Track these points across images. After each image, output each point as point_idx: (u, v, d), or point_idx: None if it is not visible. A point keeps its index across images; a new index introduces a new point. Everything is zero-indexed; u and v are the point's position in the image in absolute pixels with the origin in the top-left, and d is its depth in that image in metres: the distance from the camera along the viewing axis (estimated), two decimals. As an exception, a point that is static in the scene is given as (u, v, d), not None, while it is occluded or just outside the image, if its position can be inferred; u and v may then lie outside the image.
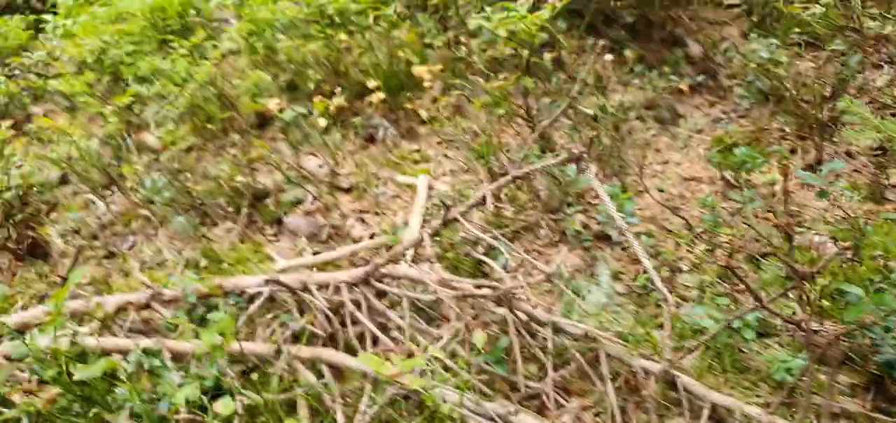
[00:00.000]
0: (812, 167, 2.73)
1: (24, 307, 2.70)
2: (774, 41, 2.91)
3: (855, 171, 2.63)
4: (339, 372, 2.04)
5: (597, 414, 1.92)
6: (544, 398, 1.92)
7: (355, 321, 2.12)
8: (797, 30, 3.38)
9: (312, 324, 2.16)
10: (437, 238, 2.23)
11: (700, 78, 3.36)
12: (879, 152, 2.72)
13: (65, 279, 2.32)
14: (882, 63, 3.16)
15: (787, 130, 2.96)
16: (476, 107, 2.87)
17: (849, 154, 2.77)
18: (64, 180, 3.67)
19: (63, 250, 3.12)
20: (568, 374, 2.00)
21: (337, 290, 2.25)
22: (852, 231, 1.83)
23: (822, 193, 1.63)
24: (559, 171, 2.57)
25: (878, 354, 1.81)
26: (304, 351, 2.06)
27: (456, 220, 2.02)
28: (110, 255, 3.04)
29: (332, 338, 2.17)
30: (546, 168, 2.20)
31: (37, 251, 3.13)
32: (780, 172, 1.45)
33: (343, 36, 3.67)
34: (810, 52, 3.41)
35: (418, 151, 3.41)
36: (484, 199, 2.00)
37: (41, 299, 2.79)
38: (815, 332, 1.50)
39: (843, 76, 2.65)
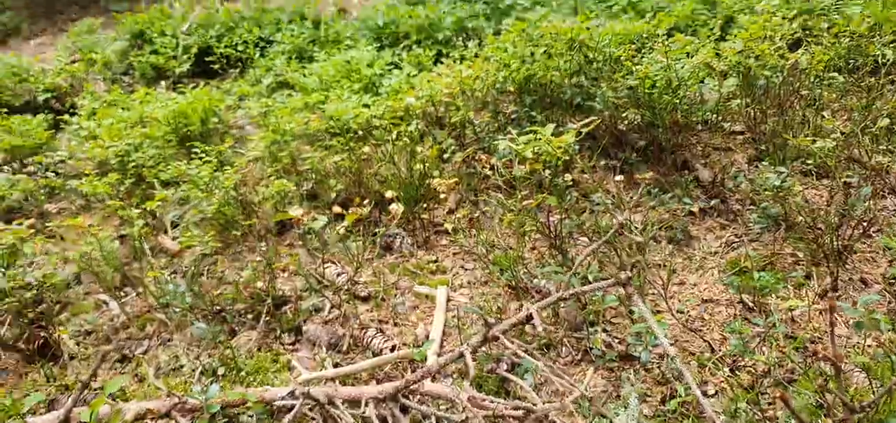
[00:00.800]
0: (827, 293, 2.78)
1: (33, 411, 2.62)
2: (784, 170, 3.06)
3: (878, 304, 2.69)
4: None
5: None
6: None
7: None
8: (809, 161, 3.56)
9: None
10: (474, 356, 2.23)
11: (711, 202, 3.49)
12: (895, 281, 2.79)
13: (85, 385, 2.26)
14: (886, 193, 3.30)
15: (800, 256, 3.04)
16: (505, 222, 2.96)
17: (863, 281, 2.83)
18: (77, 280, 3.67)
19: (74, 352, 3.07)
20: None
21: (365, 405, 2.21)
22: (890, 364, 1.85)
23: (858, 325, 1.67)
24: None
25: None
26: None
27: (495, 339, 2.02)
28: (124, 359, 3.00)
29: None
30: (581, 292, 2.24)
31: (46, 352, 3.07)
32: (828, 303, 1.49)
33: (366, 149, 3.81)
34: (819, 182, 3.57)
35: (435, 261, 3.46)
36: (529, 317, 2.02)
37: (50, 404, 2.71)
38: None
39: (853, 206, 2.77)
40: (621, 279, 2.13)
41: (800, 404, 2.07)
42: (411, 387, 2.20)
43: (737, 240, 3.27)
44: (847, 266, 2.89)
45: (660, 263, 3.18)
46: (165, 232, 4.00)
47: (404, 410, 2.29)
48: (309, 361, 2.82)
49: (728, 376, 2.38)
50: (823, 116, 3.64)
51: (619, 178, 3.65)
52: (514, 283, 3.05)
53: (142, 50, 7.02)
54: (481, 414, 2.04)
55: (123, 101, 5.30)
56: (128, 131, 4.63)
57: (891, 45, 3.75)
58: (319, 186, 3.99)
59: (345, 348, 2.86)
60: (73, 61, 6.90)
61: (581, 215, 3.35)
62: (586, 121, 2.83)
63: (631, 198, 3.68)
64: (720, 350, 2.55)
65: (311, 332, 2.95)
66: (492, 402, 2.04)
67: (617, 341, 2.67)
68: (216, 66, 6.67)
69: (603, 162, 3.95)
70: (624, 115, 3.92)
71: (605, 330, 2.73)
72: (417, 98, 4.27)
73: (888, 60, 3.74)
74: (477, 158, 4.14)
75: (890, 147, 3.34)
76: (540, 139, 2.71)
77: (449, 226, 3.57)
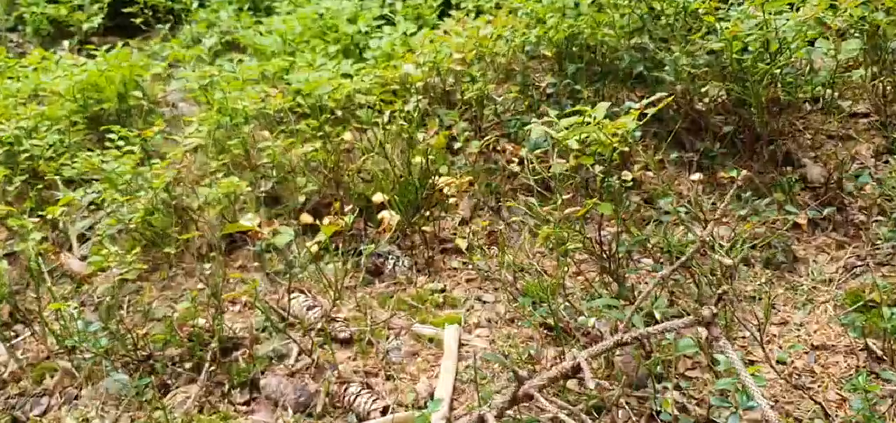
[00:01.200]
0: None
1: None
2: (925, 166, 3.11)
3: None
4: None
5: None
6: None
7: None
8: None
9: None
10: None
11: (824, 210, 3.53)
12: None
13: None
14: None
15: (947, 284, 3.09)
16: (539, 238, 3.01)
17: None
18: (-53, 316, 3.73)
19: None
20: None
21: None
22: None
23: None
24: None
25: None
26: None
27: (529, 398, 2.07)
28: (14, 422, 3.04)
29: None
30: (647, 333, 2.28)
31: None
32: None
33: (347, 135, 3.87)
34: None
35: (442, 291, 3.51)
36: (576, 368, 2.06)
37: None
38: None
39: None
40: (703, 317, 2.17)
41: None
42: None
43: (860, 263, 3.31)
44: None
45: (753, 294, 3.22)
46: (70, 249, 4.06)
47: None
48: (269, 427, 2.87)
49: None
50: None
51: (696, 176, 3.69)
52: (551, 321, 3.09)
53: (35, -2, 7.11)
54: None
55: (10, 68, 5.38)
56: (17, 110, 4.70)
57: None
58: (283, 187, 4.04)
59: (318, 409, 2.91)
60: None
61: (644, 227, 3.40)
62: (652, 98, 2.87)
63: (713, 204, 3.73)
64: (837, 416, 2.58)
65: (272, 387, 3.00)
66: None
67: (694, 402, 2.70)
68: (138, 20, 6.73)
69: (674, 155, 3.98)
70: (703, 90, 3.96)
71: (677, 387, 2.77)
72: (417, 66, 4.32)
73: None
74: (500, 148, 4.20)
75: None
76: (588, 123, 2.75)
77: (461, 242, 3.61)
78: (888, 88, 3.92)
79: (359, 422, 2.81)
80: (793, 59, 3.86)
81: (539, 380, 2.15)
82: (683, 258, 2.49)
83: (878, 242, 3.40)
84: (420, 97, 4.27)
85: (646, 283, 3.23)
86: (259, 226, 3.59)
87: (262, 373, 3.08)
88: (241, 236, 3.87)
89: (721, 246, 2.80)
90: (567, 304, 3.17)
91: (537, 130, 2.96)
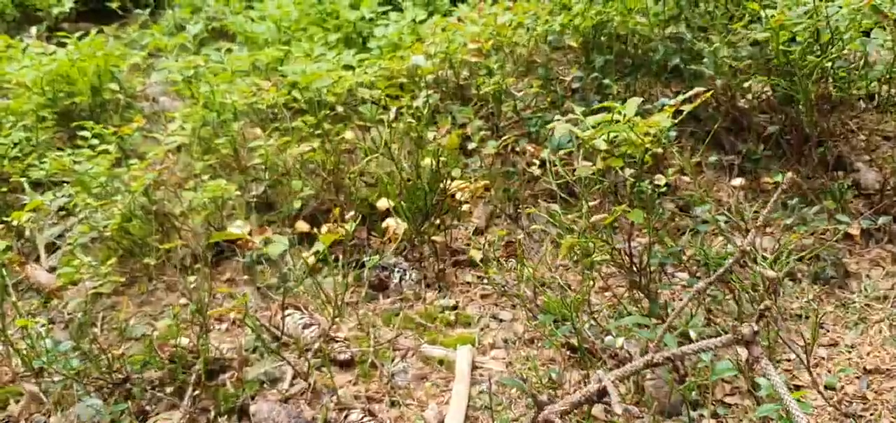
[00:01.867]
0: None
1: None
2: None
3: None
4: None
5: None
6: None
7: None
8: None
9: None
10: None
11: (879, 220, 3.57)
12: None
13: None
14: None
15: None
16: (562, 249, 3.06)
17: None
18: None
19: None
20: None
21: None
22: None
23: None
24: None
25: None
26: None
27: None
28: (-26, 455, 3.10)
29: None
30: (680, 353, 2.33)
31: None
32: None
33: (348, 134, 3.93)
34: None
35: (454, 308, 3.56)
36: (603, 391, 2.12)
37: None
38: None
39: None
40: (743, 336, 2.22)
41: None
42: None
43: (920, 279, 3.35)
44: None
45: (800, 312, 3.26)
46: (38, 259, 4.12)
47: None
48: (261, 458, 2.92)
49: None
50: None
51: (737, 182, 3.74)
52: (575, 341, 3.14)
53: (0, -21, 7.20)
54: None
55: (-28, 57, 5.46)
56: (-22, 105, 4.78)
57: None
58: (276, 192, 4.09)
59: (315, 439, 2.96)
60: None
61: (679, 238, 3.45)
62: (689, 93, 2.92)
63: (756, 213, 3.77)
64: (893, 448, 2.63)
65: (264, 414, 3.04)
66: None
67: (734, 432, 2.76)
68: (114, 5, 6.81)
69: (713, 157, 4.03)
70: (746, 85, 4.01)
71: (715, 415, 2.82)
72: (428, 57, 4.37)
73: None
74: (519, 149, 4.24)
75: None
76: (617, 121, 2.80)
77: (475, 254, 3.66)
78: (953, 83, 3.97)
79: (360, 453, 2.86)
80: (846, 52, 3.91)
81: (561, 406, 2.20)
82: (721, 271, 2.54)
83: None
84: (430, 92, 4.32)
85: (680, 299, 3.28)
86: (249, 234, 3.64)
87: (253, 399, 3.12)
88: (230, 245, 3.92)
89: (764, 258, 2.85)
90: (593, 322, 3.22)
91: (561, 129, 3.00)
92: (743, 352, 2.85)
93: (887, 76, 4.05)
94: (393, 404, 3.10)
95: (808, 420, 2.39)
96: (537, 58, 4.69)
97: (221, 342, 3.45)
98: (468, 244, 3.85)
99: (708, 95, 3.52)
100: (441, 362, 3.25)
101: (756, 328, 2.23)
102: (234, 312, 3.48)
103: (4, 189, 4.42)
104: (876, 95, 4.24)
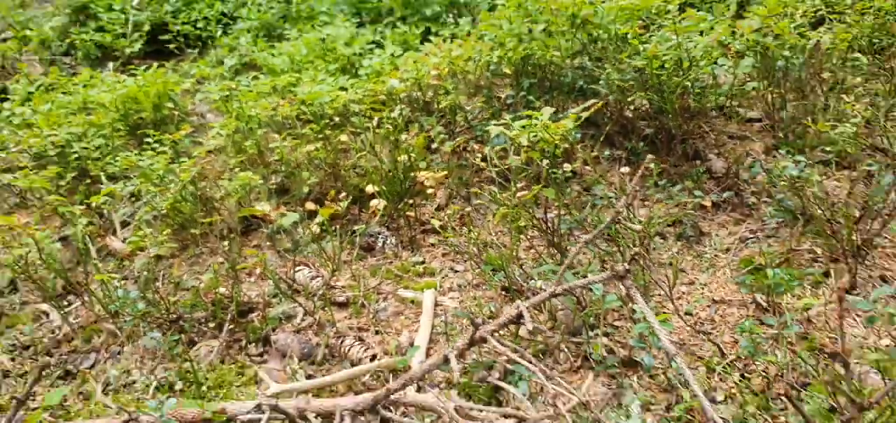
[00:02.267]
0: (846, 292, 2.93)
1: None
2: (802, 159, 3.20)
3: (892, 297, 2.83)
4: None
5: None
6: None
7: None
8: (827, 148, 3.71)
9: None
10: (462, 361, 2.34)
11: (724, 195, 3.63)
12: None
13: (20, 403, 2.33)
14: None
15: (818, 252, 3.19)
16: (497, 218, 3.07)
17: (883, 279, 2.98)
18: (12, 288, 3.73)
19: (8, 368, 3.13)
20: None
21: (339, 418, 2.32)
22: (901, 363, 1.99)
23: (870, 320, 1.80)
24: (581, 289, 2.74)
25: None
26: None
27: (483, 340, 2.14)
28: (67, 374, 3.06)
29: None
30: (574, 286, 2.36)
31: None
32: (836, 296, 1.61)
33: (343, 137, 3.91)
34: (838, 171, 3.73)
35: (422, 263, 3.56)
36: (520, 315, 2.13)
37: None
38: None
39: (874, 197, 2.91)
40: (619, 272, 2.25)
41: (813, 407, 2.20)
42: (392, 398, 2.30)
43: (751, 236, 3.41)
44: (866, 262, 3.05)
45: (667, 261, 3.32)
46: (114, 232, 4.07)
47: (384, 422, 2.39)
48: (278, 373, 2.91)
49: (738, 381, 2.51)
50: (844, 101, 3.80)
51: (624, 169, 3.78)
52: (508, 284, 3.17)
53: (85, 27, 7.06)
54: (470, 425, 2.15)
55: (64, 84, 5.36)
56: (69, 119, 4.69)
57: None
58: (290, 180, 4.08)
59: (319, 358, 2.96)
60: (4, 40, 6.94)
61: (582, 209, 3.48)
62: (587, 104, 2.95)
63: (637, 190, 3.81)
64: (731, 354, 2.68)
65: (281, 341, 3.04)
66: (481, 411, 2.15)
67: (619, 345, 2.79)
68: (172, 46, 6.73)
69: (607, 152, 4.07)
70: (630, 100, 4.05)
71: (606, 334, 2.85)
72: (402, 81, 4.37)
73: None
74: (469, 148, 4.26)
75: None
76: (536, 125, 2.82)
77: (437, 224, 3.68)
78: (776, 97, 4.03)
79: (352, 366, 2.87)
80: (701, 75, 3.96)
81: (491, 326, 2.21)
82: (603, 226, 2.56)
83: (766, 219, 3.51)
84: (404, 106, 4.31)
85: (584, 253, 3.31)
86: (270, 211, 3.62)
87: (273, 331, 3.12)
88: (256, 219, 3.90)
89: (640, 221, 2.88)
90: (520, 270, 3.25)
91: (496, 130, 3.02)
92: (623, 288, 2.87)
93: (730, 92, 4.11)
94: (377, 332, 3.11)
95: (669, 336, 2.42)
96: (482, 81, 4.69)
97: (250, 290, 3.44)
98: (432, 217, 3.86)
99: (599, 105, 3.55)
100: (412, 301, 3.27)
101: (627, 266, 2.25)
102: (259, 267, 3.46)
103: (88, 181, 4.36)
104: (723, 106, 4.30)
